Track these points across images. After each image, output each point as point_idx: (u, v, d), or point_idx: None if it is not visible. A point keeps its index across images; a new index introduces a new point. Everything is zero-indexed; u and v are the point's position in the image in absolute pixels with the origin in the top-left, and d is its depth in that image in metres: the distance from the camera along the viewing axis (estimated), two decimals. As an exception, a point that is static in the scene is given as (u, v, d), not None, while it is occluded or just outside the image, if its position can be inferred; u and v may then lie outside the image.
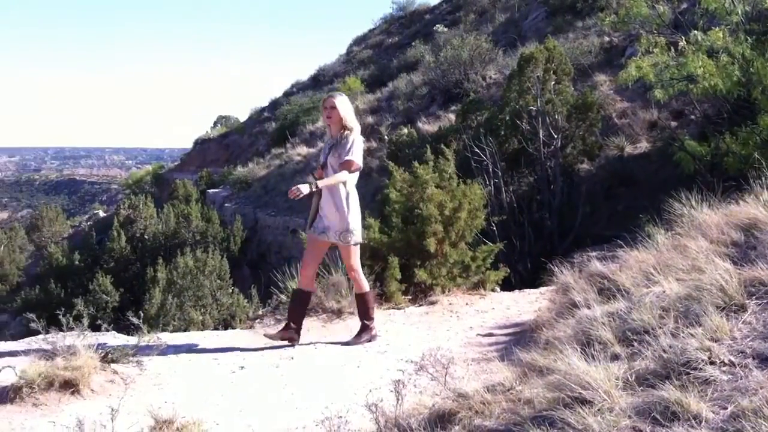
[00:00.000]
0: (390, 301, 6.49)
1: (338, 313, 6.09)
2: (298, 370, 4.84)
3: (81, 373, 4.25)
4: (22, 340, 5.78)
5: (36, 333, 5.12)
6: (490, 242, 7.39)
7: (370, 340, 5.46)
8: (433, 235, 6.57)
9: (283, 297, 6.38)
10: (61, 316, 4.77)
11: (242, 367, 4.85)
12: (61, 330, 4.75)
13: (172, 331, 6.53)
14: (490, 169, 9.73)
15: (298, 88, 31.53)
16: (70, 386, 4.21)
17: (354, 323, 5.73)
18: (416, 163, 7.15)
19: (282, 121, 24.48)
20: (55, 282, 14.84)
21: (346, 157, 5.19)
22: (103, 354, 4.62)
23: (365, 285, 5.49)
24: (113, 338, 5.40)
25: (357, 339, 5.44)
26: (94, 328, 4.98)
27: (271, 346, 5.36)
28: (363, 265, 6.22)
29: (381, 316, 6.16)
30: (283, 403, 4.20)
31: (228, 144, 30.79)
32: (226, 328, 6.97)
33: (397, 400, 3.19)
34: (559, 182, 10.32)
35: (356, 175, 5.34)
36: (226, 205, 17.62)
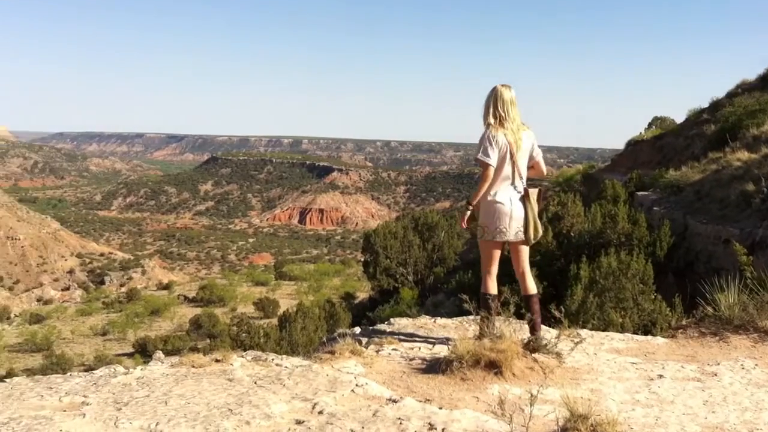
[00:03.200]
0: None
1: (772, 335, 5.58)
2: (723, 388, 4.55)
3: (505, 356, 4.49)
4: (455, 318, 6.41)
5: (467, 313, 5.62)
6: None
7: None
8: None
9: (710, 309, 6.05)
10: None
11: (661, 376, 4.73)
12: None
13: (590, 329, 6.63)
14: None
15: (744, 88, 29.04)
16: (494, 367, 4.47)
17: None
18: None
19: (722, 124, 22.87)
20: (486, 269, 15.99)
21: (475, 156, 5.08)
22: (525, 341, 4.91)
23: (490, 286, 5.17)
24: (535, 328, 5.69)
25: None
26: (518, 315, 5.31)
27: (692, 358, 5.15)
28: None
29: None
30: (701, 421, 3.99)
31: (661, 146, 29.69)
32: (645, 334, 6.84)
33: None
34: None
35: (498, 171, 5.02)
36: (654, 208, 17.07)
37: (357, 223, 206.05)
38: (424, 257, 25.89)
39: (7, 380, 4.40)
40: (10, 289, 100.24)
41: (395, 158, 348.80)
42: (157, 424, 3.48)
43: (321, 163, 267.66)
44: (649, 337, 6.19)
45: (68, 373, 4.67)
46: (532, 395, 3.61)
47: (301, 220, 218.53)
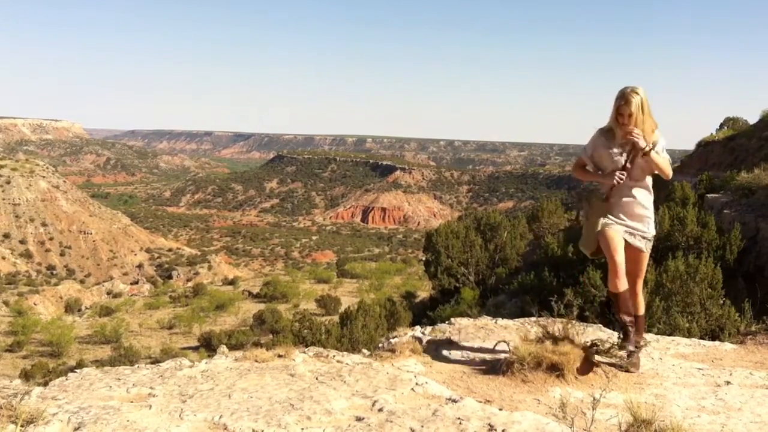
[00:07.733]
0: None
1: None
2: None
3: (567, 359, 4.46)
4: (516, 320, 6.36)
5: (529, 315, 5.59)
6: None
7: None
8: None
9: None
10: (552, 303, 5.13)
11: (728, 383, 4.61)
12: (552, 315, 5.10)
13: (656, 333, 6.50)
14: None
15: (824, 86, 28.01)
16: (555, 369, 4.45)
17: None
18: None
19: (800, 124, 22.12)
20: (549, 270, 15.77)
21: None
22: (588, 344, 4.85)
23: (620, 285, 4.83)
24: (599, 331, 5.60)
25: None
26: (582, 318, 5.25)
27: (762, 364, 5.00)
28: None
29: None
30: (770, 430, 3.89)
31: (733, 147, 28.82)
32: (712, 340, 6.67)
33: None
34: None
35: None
36: (724, 211, 16.58)
37: (419, 222, 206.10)
38: (485, 257, 25.70)
39: (78, 371, 4.56)
40: (82, 282, 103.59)
41: (458, 158, 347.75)
42: (220, 417, 3.56)
43: (384, 162, 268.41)
44: (717, 342, 6.04)
45: (136, 365, 4.80)
46: (594, 399, 3.57)
47: (364, 219, 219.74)
